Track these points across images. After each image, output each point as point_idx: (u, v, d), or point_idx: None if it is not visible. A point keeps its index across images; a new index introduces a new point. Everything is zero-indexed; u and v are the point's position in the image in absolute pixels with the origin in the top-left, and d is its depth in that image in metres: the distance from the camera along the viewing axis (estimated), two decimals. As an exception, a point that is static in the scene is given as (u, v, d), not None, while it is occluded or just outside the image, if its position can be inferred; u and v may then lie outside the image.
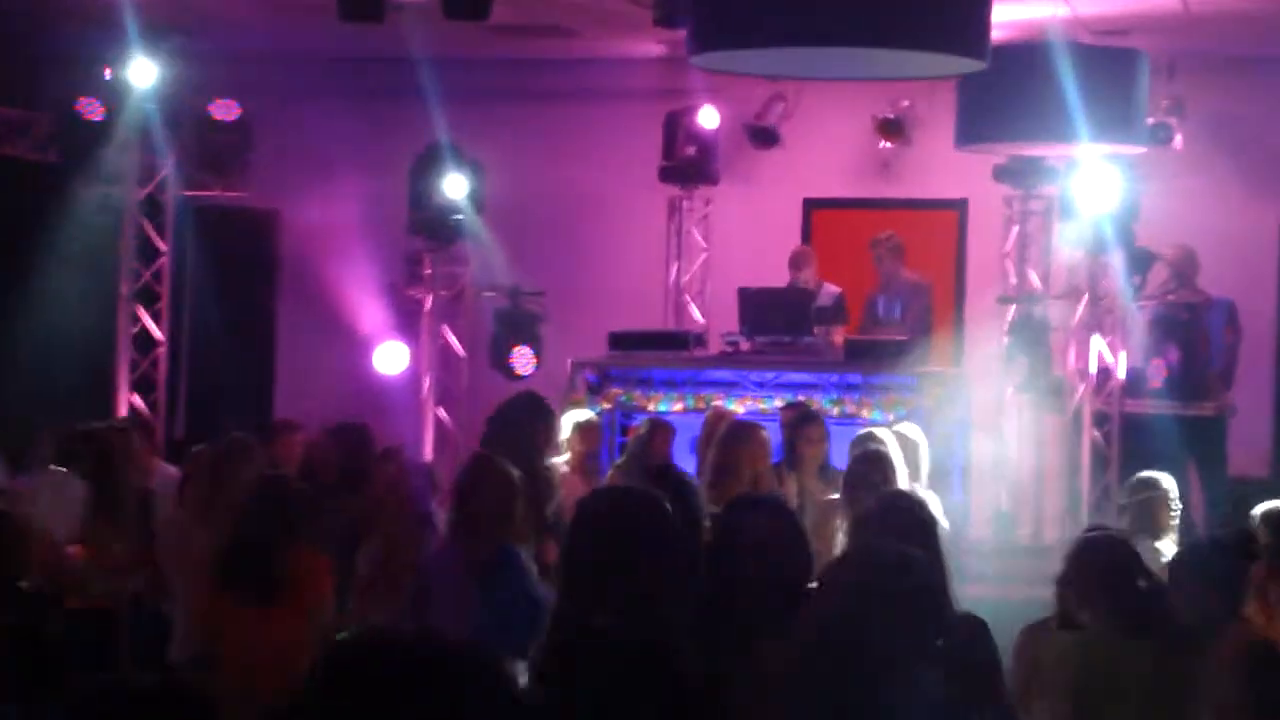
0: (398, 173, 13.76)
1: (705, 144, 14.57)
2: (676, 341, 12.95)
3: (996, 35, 8.59)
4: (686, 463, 10.33)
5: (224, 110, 13.50)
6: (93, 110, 12.76)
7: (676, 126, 14.55)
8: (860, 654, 3.67)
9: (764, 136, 14.58)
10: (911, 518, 5.08)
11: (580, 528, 4.38)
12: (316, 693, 2.18)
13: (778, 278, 13.33)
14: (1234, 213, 13.94)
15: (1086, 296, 13.18)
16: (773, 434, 9.40)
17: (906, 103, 14.35)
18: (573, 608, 4.22)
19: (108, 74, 12.85)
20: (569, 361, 12.52)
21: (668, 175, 14.67)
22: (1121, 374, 13.06)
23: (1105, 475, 12.88)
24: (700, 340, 13.18)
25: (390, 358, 14.36)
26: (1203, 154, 13.74)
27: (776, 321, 12.54)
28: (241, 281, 15.26)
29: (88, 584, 7.79)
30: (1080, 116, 11.01)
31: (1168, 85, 13.35)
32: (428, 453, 13.56)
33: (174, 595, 7.70)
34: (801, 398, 11.45)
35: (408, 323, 14.37)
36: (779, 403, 11.55)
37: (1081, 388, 13.10)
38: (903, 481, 7.92)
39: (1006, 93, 11.19)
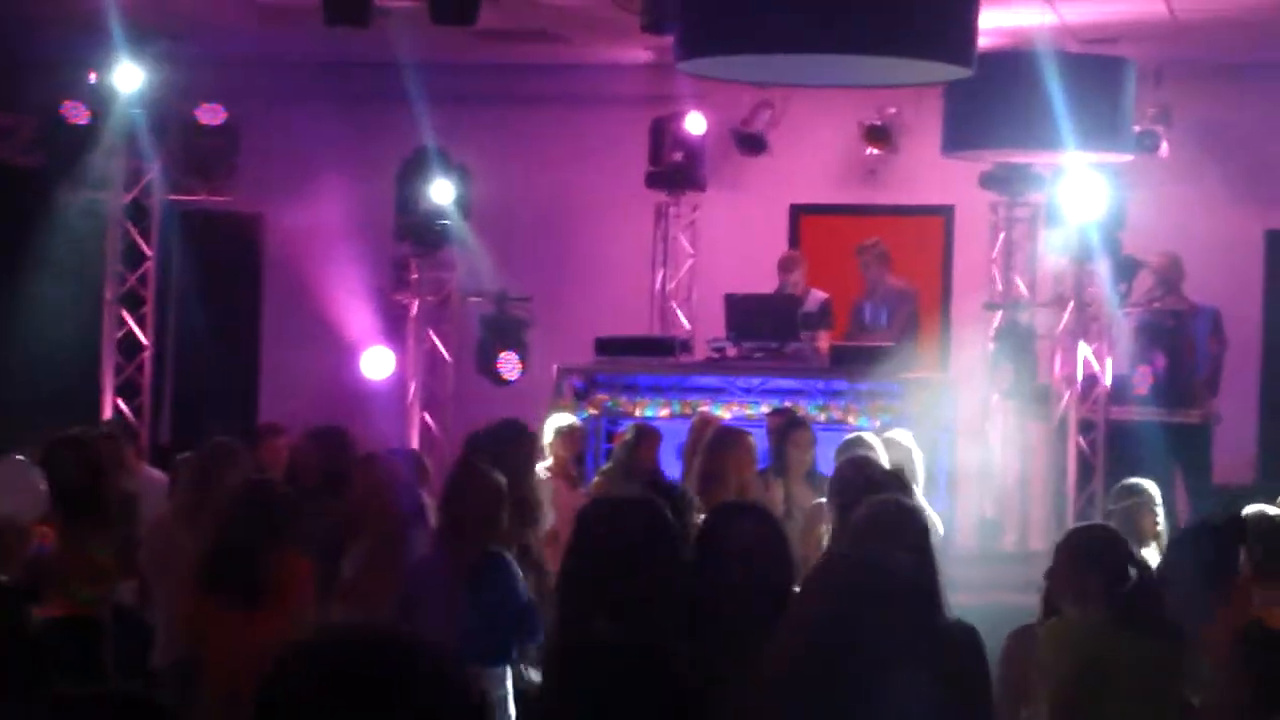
0: (384, 177, 13.76)
1: (692, 150, 14.57)
2: (663, 347, 12.95)
3: (983, 43, 8.60)
4: (673, 469, 10.33)
5: (209, 114, 13.47)
6: (78, 114, 12.73)
7: (663, 132, 14.56)
8: (843, 659, 3.67)
9: (751, 143, 14.58)
10: (904, 523, 5.07)
11: (583, 536, 4.39)
12: (269, 692, 2.17)
13: (765, 284, 13.33)
14: (1220, 220, 13.97)
15: (1072, 303, 13.20)
16: (759, 440, 9.40)
17: (893, 109, 14.36)
18: (574, 614, 4.24)
19: (93, 78, 12.83)
20: (555, 367, 12.51)
21: (655, 181, 14.67)
22: (1107, 381, 13.07)
23: (1091, 482, 12.89)
24: (686, 346, 13.17)
25: (376, 363, 14.34)
26: (1189, 161, 13.77)
27: (763, 327, 12.54)
28: (227, 286, 15.23)
29: (71, 590, 7.76)
30: (1067, 124, 11.02)
31: (1154, 93, 13.36)
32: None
33: (157, 601, 7.68)
34: (788, 404, 11.45)
35: (394, 328, 14.36)
36: (765, 409, 11.55)
37: (1067, 395, 13.11)
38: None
39: (993, 100, 11.21)
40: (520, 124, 15.10)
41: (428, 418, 14.10)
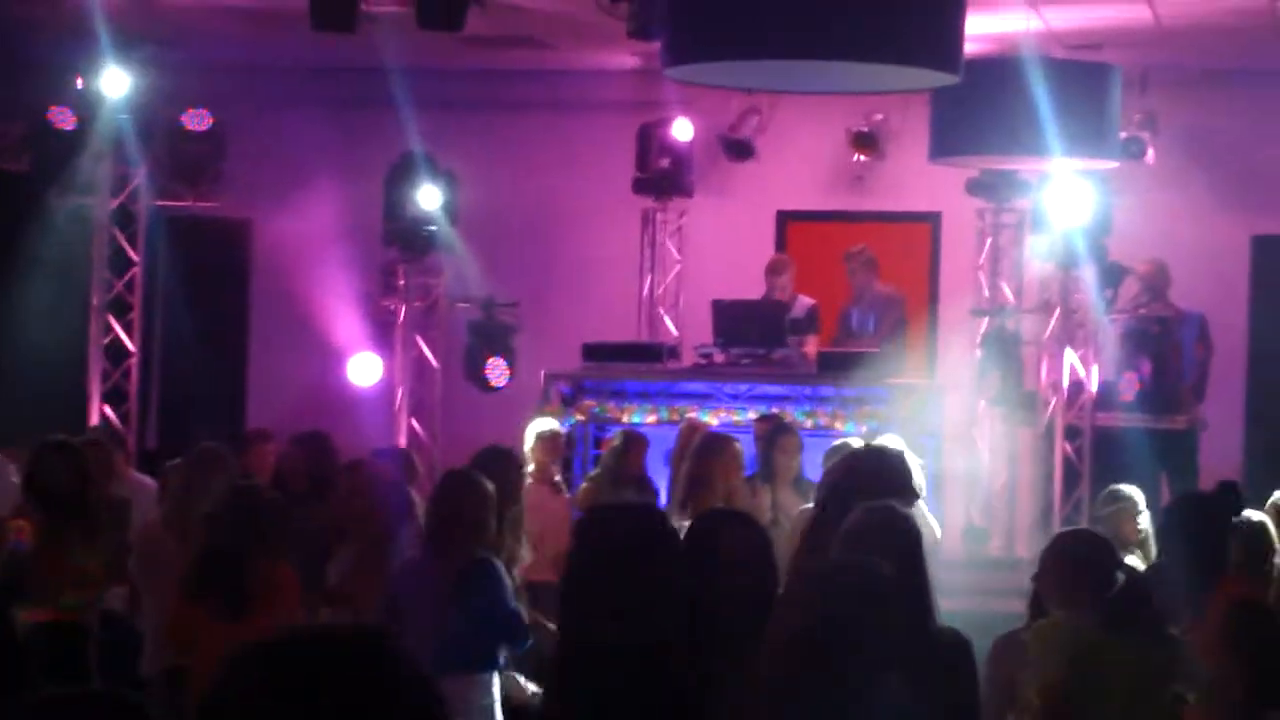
0: (371, 183, 13.76)
1: (679, 156, 14.58)
2: (650, 353, 12.95)
3: (969, 49, 8.61)
4: (660, 475, 10.34)
5: (196, 120, 13.46)
6: (64, 120, 12.72)
7: (650, 138, 14.56)
8: (824, 663, 3.67)
9: (738, 149, 14.59)
10: (895, 531, 5.08)
11: (584, 541, 4.40)
12: (217, 694, 2.17)
13: (752, 290, 13.33)
14: (1206, 226, 13.99)
15: (1059, 310, 13.22)
16: (746, 446, 9.41)
17: (880, 116, 14.38)
18: (575, 619, 4.26)
19: (79, 83, 12.81)
20: (543, 373, 12.51)
21: (642, 187, 14.68)
22: (1093, 387, 13.09)
23: (1077, 489, 12.91)
24: (674, 352, 13.18)
25: (364, 369, 14.33)
26: (1175, 168, 13.79)
27: (750, 334, 12.54)
28: (214, 291, 15.22)
29: (56, 595, 7.75)
30: (1053, 131, 11.05)
31: (1140, 99, 13.40)
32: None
33: (145, 608, 7.67)
34: (775, 410, 11.46)
35: (381, 334, 14.35)
36: (753, 415, 11.56)
37: (1053, 401, 13.13)
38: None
39: (980, 107, 11.23)
40: (507, 130, 15.10)
41: (415, 424, 14.09)
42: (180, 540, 7.28)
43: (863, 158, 14.64)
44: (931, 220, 15.02)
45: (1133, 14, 12.14)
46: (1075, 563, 5.71)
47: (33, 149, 12.93)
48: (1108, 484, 10.16)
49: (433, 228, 13.50)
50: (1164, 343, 12.95)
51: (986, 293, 13.97)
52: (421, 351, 14.23)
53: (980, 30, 10.91)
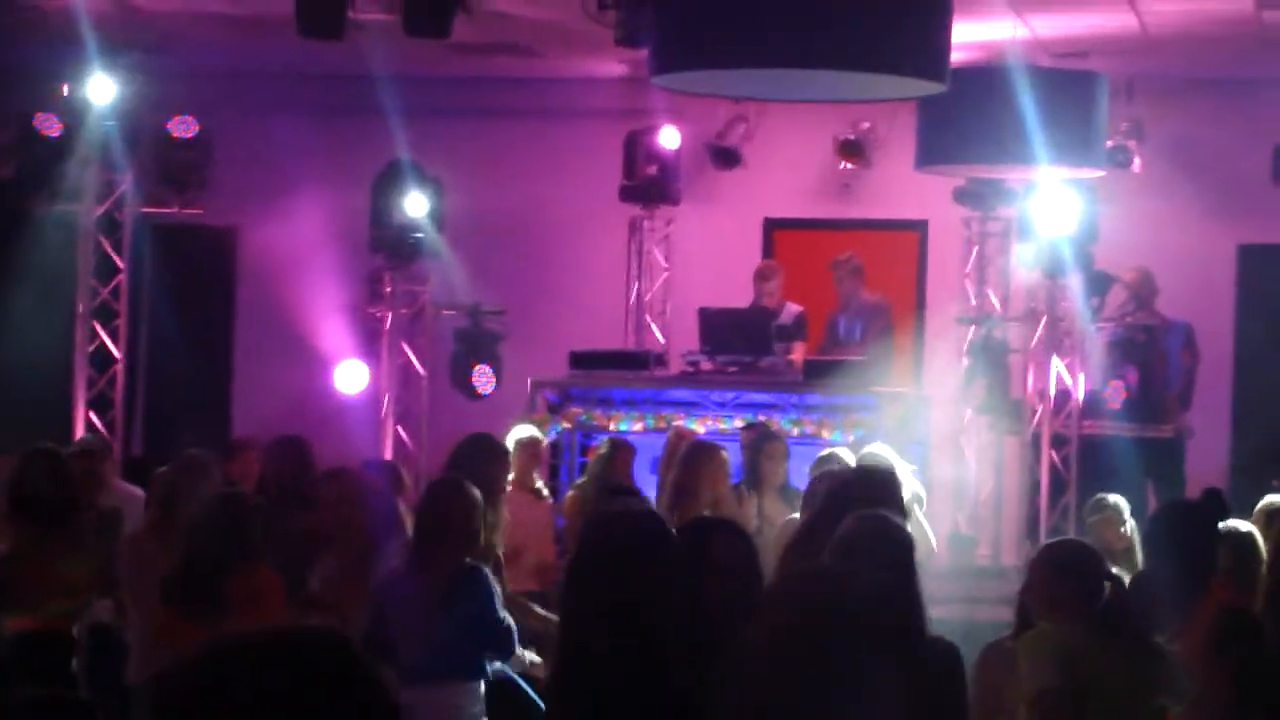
0: (358, 190, 13.74)
1: (666, 164, 14.59)
2: (637, 361, 12.95)
3: (955, 57, 8.62)
4: (647, 483, 10.33)
5: (182, 127, 13.44)
6: (50, 126, 12.70)
7: (637, 146, 14.57)
8: (806, 673, 3.67)
9: (725, 157, 14.60)
10: (887, 539, 5.08)
11: (587, 546, 4.40)
12: (173, 693, 2.17)
13: (739, 297, 13.34)
14: (1192, 235, 14.01)
15: (1045, 318, 13.23)
16: (732, 454, 9.41)
17: (867, 124, 14.39)
18: (576, 622, 4.26)
19: (66, 90, 12.80)
20: (529, 381, 12.50)
21: (629, 195, 14.68)
22: (1080, 396, 13.10)
23: (1064, 497, 12.91)
24: (661, 360, 13.18)
25: (350, 376, 14.31)
26: (1161, 177, 13.81)
27: (737, 341, 12.54)
28: (200, 299, 15.20)
29: (39, 603, 7.73)
30: (1039, 140, 11.06)
31: (1127, 108, 13.42)
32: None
33: (131, 617, 7.65)
34: (762, 418, 11.46)
35: (368, 341, 14.33)
36: (739, 423, 11.56)
37: (1040, 409, 13.14)
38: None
39: (966, 115, 11.24)
40: (494, 137, 15.10)
41: (401, 431, 14.07)
42: (166, 548, 7.26)
43: (849, 166, 14.65)
44: (918, 228, 15.03)
45: (1119, 22, 12.16)
46: (1063, 573, 5.71)
47: (18, 156, 12.91)
48: (1094, 492, 10.17)
49: (419, 235, 13.49)
50: (1150, 351, 12.97)
51: (973, 301, 13.98)
52: (408, 359, 14.21)
53: (966, 38, 10.91)
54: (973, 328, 13.60)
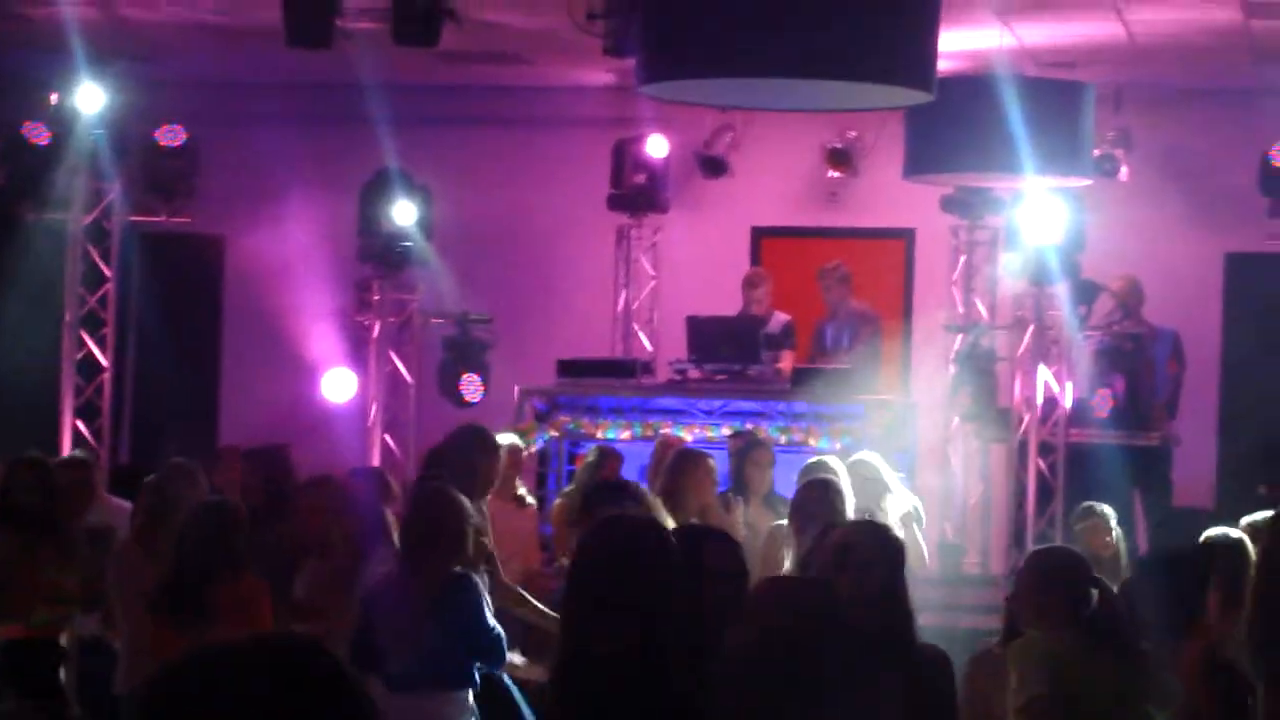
0: (346, 199, 13.74)
1: (654, 172, 14.59)
2: (624, 369, 12.96)
3: (942, 66, 8.63)
4: (634, 491, 10.32)
5: (170, 136, 13.44)
6: (39, 135, 12.70)
7: (625, 155, 14.57)
8: (790, 679, 3.68)
9: (713, 165, 14.61)
10: (878, 545, 5.10)
11: (587, 551, 4.41)
12: (151, 701, 2.18)
13: (726, 306, 13.35)
14: (1179, 244, 14.04)
15: (1033, 326, 13.24)
16: (720, 462, 9.41)
17: (854, 133, 14.41)
18: (577, 627, 4.27)
19: (54, 99, 12.79)
20: (517, 389, 12.51)
21: (616, 203, 14.68)
22: (1067, 404, 13.11)
23: (1051, 505, 12.92)
24: (648, 368, 13.18)
25: (338, 385, 14.31)
26: (1149, 185, 13.84)
27: (725, 350, 12.55)
28: (187, 307, 15.19)
29: (27, 611, 7.73)
30: (1027, 149, 11.08)
31: (1114, 117, 13.45)
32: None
33: (120, 626, 7.64)
34: (749, 426, 11.47)
35: (356, 350, 14.32)
36: (727, 431, 11.57)
37: (1027, 418, 13.15)
38: (851, 511, 7.92)
39: (954, 125, 11.26)
40: (482, 146, 15.10)
41: (389, 440, 14.06)
42: (152, 557, 7.25)
43: (837, 174, 14.68)
44: (906, 237, 15.06)
45: (1106, 31, 12.19)
46: (1050, 581, 5.72)
47: (7, 164, 12.91)
48: (1081, 500, 10.20)
49: (408, 243, 13.49)
50: (1137, 359, 12.99)
51: (960, 309, 13.99)
52: (396, 367, 14.21)
53: (953, 47, 10.94)
54: (960, 336, 13.61)
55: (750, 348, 12.58)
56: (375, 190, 13.47)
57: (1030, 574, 5.83)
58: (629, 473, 10.36)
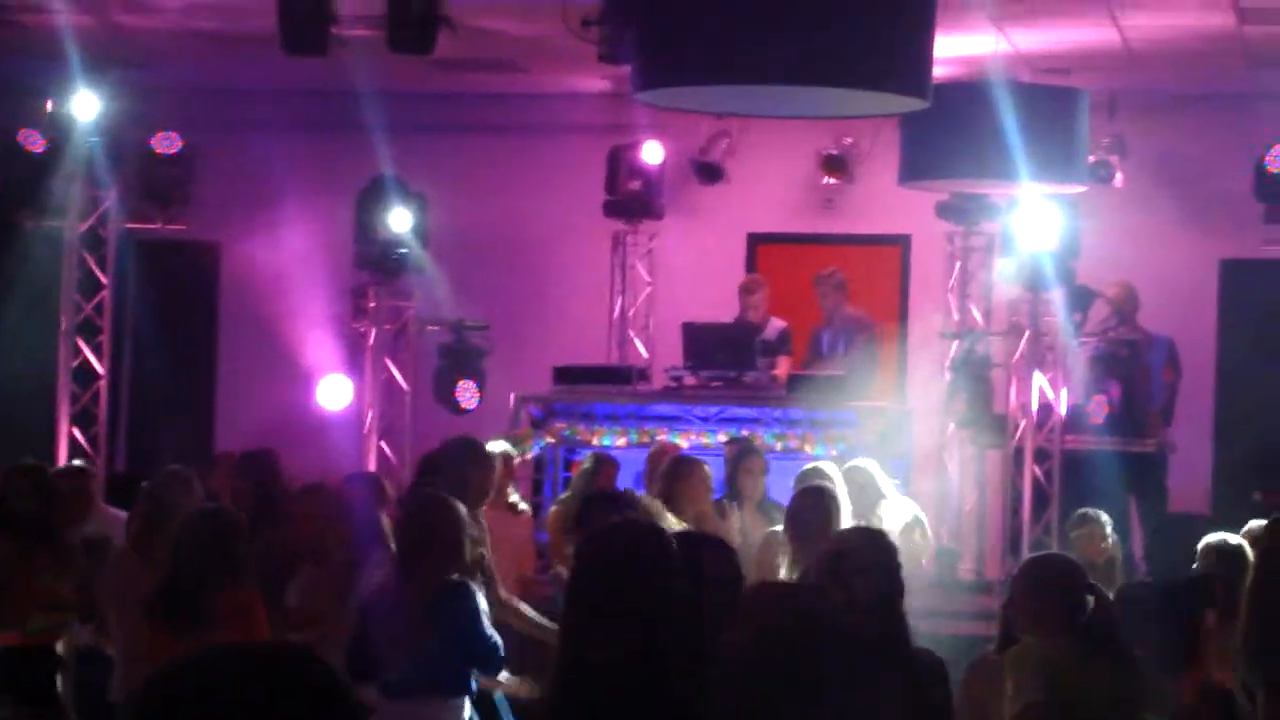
0: (342, 206, 13.74)
1: (649, 179, 14.60)
2: (620, 376, 12.96)
3: (937, 71, 8.64)
4: (630, 498, 10.32)
5: (166, 143, 13.45)
6: (34, 142, 12.70)
7: (621, 161, 14.58)
8: (783, 685, 3.68)
9: (708, 172, 14.62)
10: (875, 550, 5.11)
11: (588, 557, 4.42)
12: (141, 708, 2.18)
13: (722, 312, 13.36)
14: (1174, 250, 14.05)
15: (1028, 333, 13.24)
16: (716, 469, 9.42)
17: (850, 140, 14.42)
18: (578, 633, 4.27)
19: (50, 106, 12.79)
20: (513, 395, 12.51)
21: (612, 210, 14.69)
22: (1062, 410, 13.11)
23: (1046, 511, 12.92)
24: (644, 375, 13.19)
25: (334, 392, 14.30)
26: (1143, 192, 13.86)
27: (720, 356, 12.56)
28: (183, 315, 15.19)
29: (24, 619, 7.71)
30: (1022, 156, 11.08)
31: (1109, 123, 13.45)
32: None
33: (115, 633, 7.64)
34: (745, 432, 11.47)
35: (352, 357, 14.32)
36: (723, 437, 11.57)
37: (1023, 424, 13.15)
38: (847, 517, 7.93)
39: (949, 131, 11.26)
40: (478, 152, 15.11)
41: (385, 447, 14.06)
42: (148, 563, 7.25)
43: (832, 181, 14.69)
44: (901, 243, 15.07)
45: (1101, 37, 12.20)
46: (1046, 588, 5.72)
47: (2, 172, 12.90)
48: (1076, 507, 10.19)
49: (403, 250, 13.50)
50: (1133, 366, 13.00)
51: (956, 316, 14.00)
52: (391, 374, 14.21)
53: (948, 52, 10.95)
54: (955, 342, 13.62)
55: (746, 354, 12.58)
56: (371, 197, 13.48)
57: (1025, 581, 5.83)
58: (625, 479, 10.37)
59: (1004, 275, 13.13)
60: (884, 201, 14.23)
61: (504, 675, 7.26)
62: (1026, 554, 12.14)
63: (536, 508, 11.77)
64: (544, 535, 10.54)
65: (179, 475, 7.90)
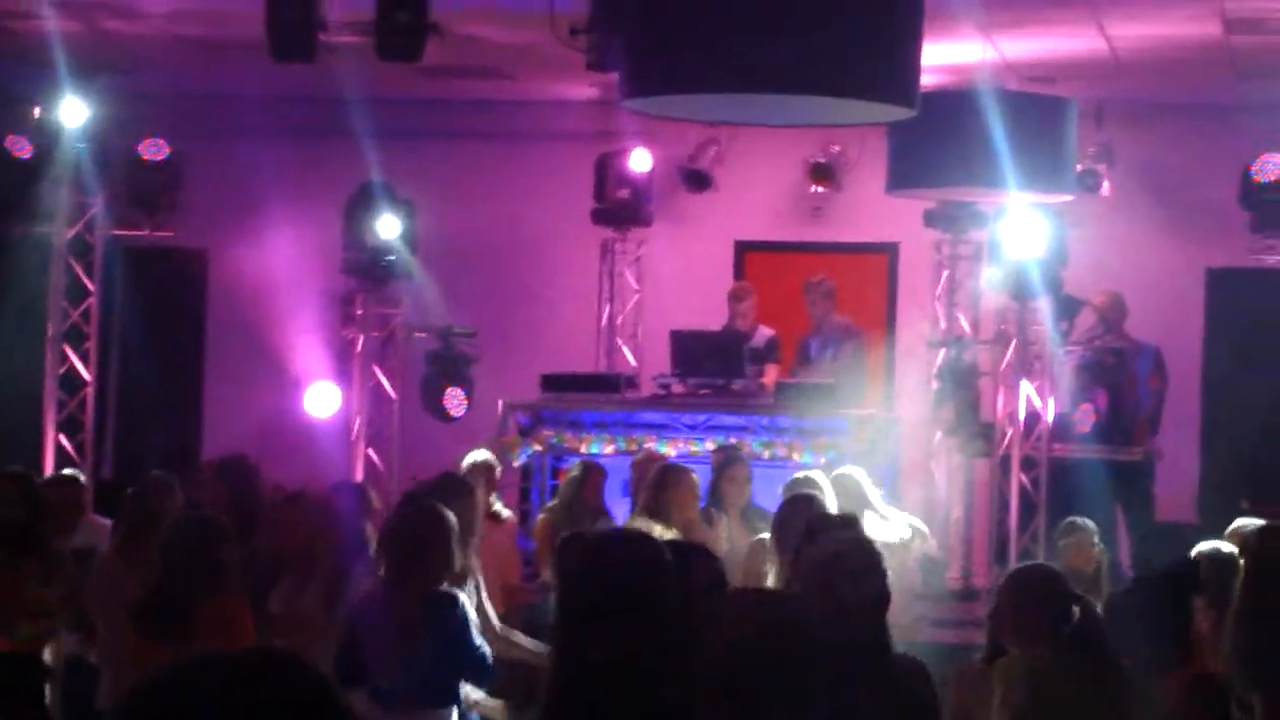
0: (330, 213, 13.73)
1: (638, 186, 14.60)
2: (608, 383, 12.96)
3: (925, 80, 8.65)
4: (618, 506, 10.34)
5: (153, 149, 13.43)
6: (22, 149, 12.68)
7: (609, 169, 14.58)
8: (761, 695, 3.68)
9: (697, 180, 14.63)
10: (862, 554, 5.11)
11: (580, 569, 4.41)
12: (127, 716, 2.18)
13: (710, 320, 13.37)
14: (1161, 259, 14.08)
15: (1015, 341, 13.26)
16: (704, 477, 9.43)
17: (838, 148, 14.44)
18: (572, 646, 4.27)
19: (37, 113, 12.78)
20: (501, 403, 12.50)
21: (600, 217, 14.69)
22: (1049, 419, 13.13)
23: (1033, 520, 12.93)
24: (632, 382, 13.19)
25: (321, 399, 14.29)
26: (1131, 200, 13.88)
27: (708, 364, 12.57)
28: (171, 321, 15.18)
29: (11, 627, 7.70)
30: (1009, 165, 11.10)
31: (1096, 132, 13.48)
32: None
33: (101, 640, 7.63)
34: (733, 440, 11.47)
35: (339, 364, 14.31)
36: (710, 445, 11.57)
37: (1010, 432, 13.17)
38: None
39: (936, 140, 11.27)
40: (466, 160, 15.12)
41: (373, 454, 14.04)
42: (133, 569, 7.25)
43: (820, 189, 14.70)
44: (889, 251, 15.08)
45: (1088, 45, 12.22)
46: (1028, 599, 5.73)
47: (-11, 178, 12.89)
48: (1064, 515, 10.21)
49: (392, 258, 13.49)
50: (1119, 374, 13.02)
51: (943, 324, 14.01)
52: (379, 382, 14.19)
53: (934, 59, 10.96)
54: (942, 350, 13.63)
55: (734, 362, 12.59)
56: (359, 204, 13.47)
57: (1008, 592, 5.85)
58: (613, 488, 10.38)
59: (991, 283, 13.14)
60: (872, 210, 14.24)
61: (481, 695, 7.25)
62: (1014, 562, 12.17)
63: (524, 515, 11.78)
64: (530, 543, 10.54)
65: (161, 481, 7.91)
